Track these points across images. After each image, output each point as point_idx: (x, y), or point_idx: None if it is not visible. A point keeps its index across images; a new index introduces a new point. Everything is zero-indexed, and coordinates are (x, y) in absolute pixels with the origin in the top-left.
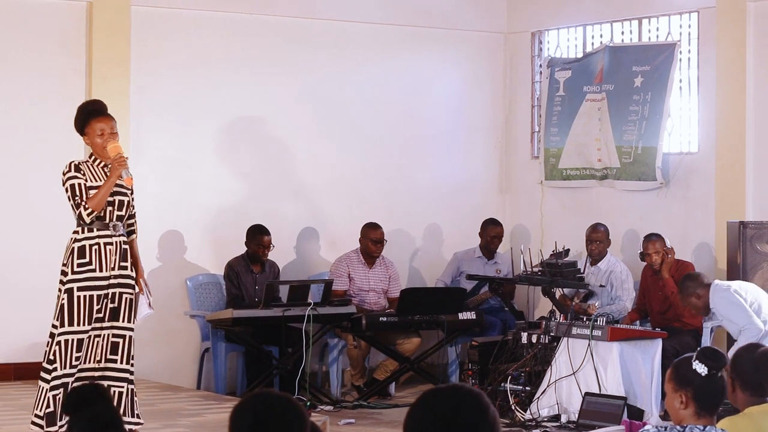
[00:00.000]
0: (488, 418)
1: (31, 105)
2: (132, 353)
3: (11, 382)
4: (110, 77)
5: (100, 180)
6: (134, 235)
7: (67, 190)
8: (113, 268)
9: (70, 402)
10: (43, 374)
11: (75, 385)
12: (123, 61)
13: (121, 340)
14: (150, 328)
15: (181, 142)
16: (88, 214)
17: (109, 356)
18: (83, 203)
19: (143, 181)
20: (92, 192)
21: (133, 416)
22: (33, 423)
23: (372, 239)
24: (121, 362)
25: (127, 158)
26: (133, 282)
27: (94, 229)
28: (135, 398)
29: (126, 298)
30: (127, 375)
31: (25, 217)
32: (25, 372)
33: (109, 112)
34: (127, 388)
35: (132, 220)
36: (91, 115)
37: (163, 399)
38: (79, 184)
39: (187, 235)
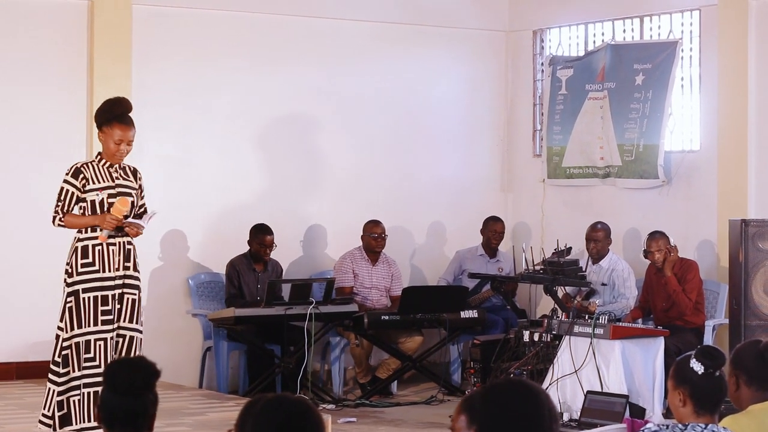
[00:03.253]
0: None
1: (32, 103)
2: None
3: (14, 381)
4: (111, 76)
5: (103, 180)
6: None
7: (59, 190)
8: (117, 269)
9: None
10: (51, 376)
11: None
12: (124, 59)
13: (123, 340)
14: (152, 326)
15: (183, 141)
16: (59, 225)
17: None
18: (61, 214)
19: (145, 180)
20: (90, 194)
21: None
22: (41, 422)
23: (372, 235)
24: None
25: (120, 223)
26: (136, 282)
27: (98, 229)
28: None
29: (129, 298)
30: None
31: (27, 215)
32: (27, 371)
33: None
34: None
35: (141, 210)
36: (116, 119)
37: (166, 398)
38: (68, 192)
39: (190, 234)
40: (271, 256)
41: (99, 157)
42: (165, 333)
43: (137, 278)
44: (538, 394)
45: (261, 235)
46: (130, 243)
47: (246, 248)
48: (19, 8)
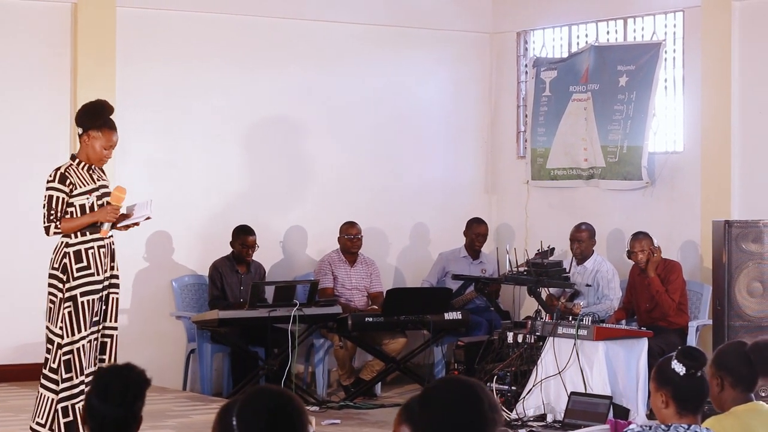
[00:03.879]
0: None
1: (16, 105)
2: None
3: None
4: (95, 77)
5: (88, 183)
6: None
7: (44, 198)
8: (106, 270)
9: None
10: (47, 383)
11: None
12: (108, 61)
13: (109, 340)
14: (136, 329)
15: (167, 143)
16: (55, 233)
17: (99, 356)
18: (56, 221)
19: (129, 183)
20: (79, 199)
21: None
22: (32, 429)
23: (347, 236)
24: (110, 361)
25: (119, 214)
26: (118, 281)
27: (87, 233)
28: None
29: (113, 298)
30: None
31: (12, 218)
32: (11, 374)
33: None
34: None
35: None
36: (105, 124)
37: (149, 400)
38: (58, 198)
39: (174, 236)
40: (253, 258)
41: (77, 160)
42: (149, 335)
43: (118, 277)
44: (474, 387)
45: (243, 235)
46: (113, 243)
47: (230, 250)
48: (2, 10)
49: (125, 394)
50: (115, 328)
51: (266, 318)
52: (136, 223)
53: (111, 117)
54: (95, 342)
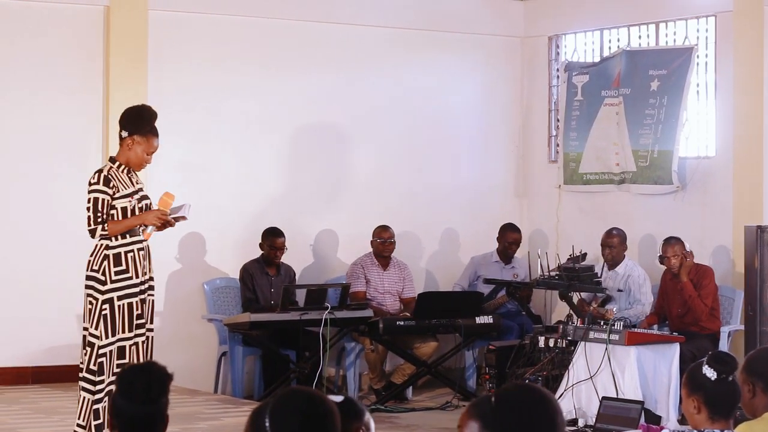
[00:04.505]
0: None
1: (49, 108)
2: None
3: (29, 386)
4: (127, 80)
5: (128, 186)
6: None
7: (89, 201)
8: (144, 273)
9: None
10: (85, 384)
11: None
12: (140, 64)
13: (150, 341)
14: (168, 331)
15: (199, 146)
16: (102, 237)
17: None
18: (104, 224)
19: (161, 186)
20: (121, 202)
21: None
22: (75, 431)
23: (380, 239)
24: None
25: (166, 219)
26: (153, 284)
27: (127, 236)
28: None
29: (150, 300)
30: None
31: (44, 220)
32: (42, 375)
33: None
34: None
35: None
36: (152, 131)
37: (181, 402)
38: (104, 201)
39: (206, 239)
40: (283, 260)
41: (117, 162)
42: (181, 337)
43: (154, 279)
44: (551, 400)
45: (272, 237)
46: (148, 246)
47: (260, 253)
48: (36, 13)
49: (149, 391)
50: (151, 330)
51: (298, 321)
52: (172, 224)
53: (155, 123)
54: (143, 345)
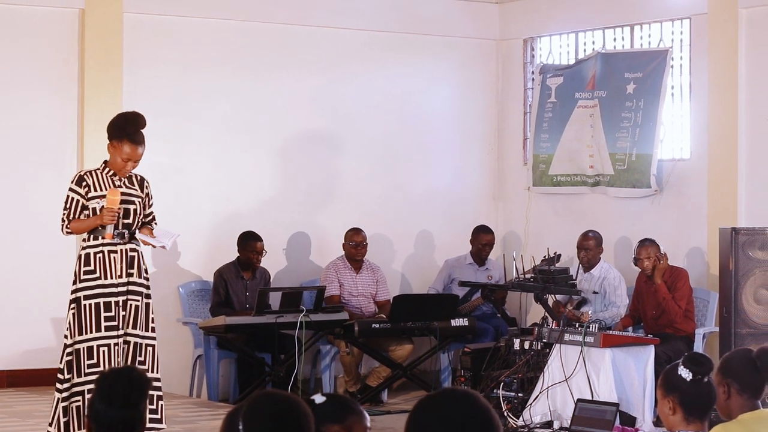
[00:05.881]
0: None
1: (23, 111)
2: (157, 363)
3: (4, 390)
4: (102, 83)
5: (105, 188)
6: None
7: (65, 198)
8: (120, 276)
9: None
10: (57, 384)
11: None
12: (115, 67)
13: (126, 346)
14: None
15: (174, 149)
16: (67, 233)
17: (138, 359)
18: (67, 221)
19: None
20: (92, 202)
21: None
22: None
23: (351, 243)
24: (151, 371)
25: (117, 215)
26: (140, 289)
27: (100, 237)
28: (161, 403)
29: (131, 305)
30: (157, 384)
31: (21, 223)
32: (17, 379)
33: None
34: (156, 395)
35: (149, 218)
36: (128, 137)
37: None
38: (74, 200)
39: (180, 242)
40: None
41: (104, 165)
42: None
43: (143, 284)
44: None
45: (251, 242)
46: (134, 250)
47: (236, 256)
48: (10, 16)
49: (129, 395)
50: (140, 336)
51: (273, 324)
52: (152, 245)
53: (137, 130)
54: (119, 348)
